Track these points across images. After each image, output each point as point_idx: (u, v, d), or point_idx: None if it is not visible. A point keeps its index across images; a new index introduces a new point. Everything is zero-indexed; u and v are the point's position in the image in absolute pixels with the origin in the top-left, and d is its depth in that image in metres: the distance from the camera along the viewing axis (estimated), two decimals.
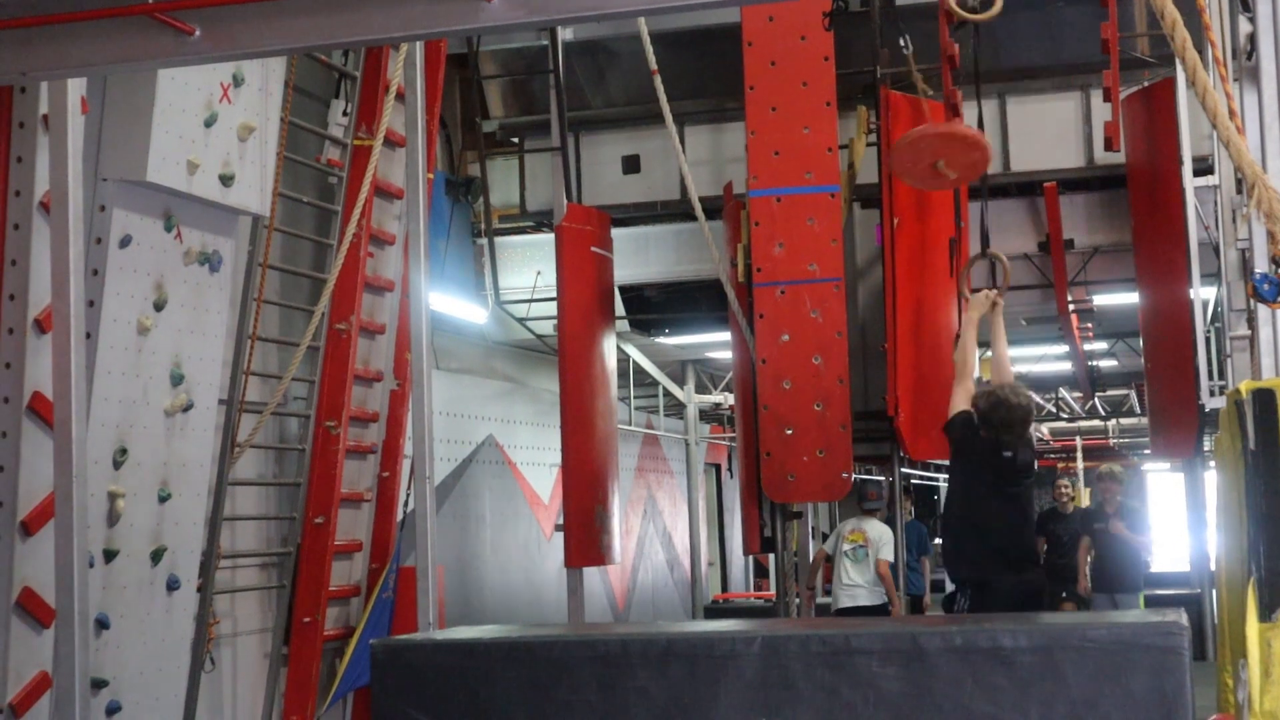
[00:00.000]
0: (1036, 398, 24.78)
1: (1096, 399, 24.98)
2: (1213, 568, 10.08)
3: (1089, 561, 13.96)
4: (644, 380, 18.50)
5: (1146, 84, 11.16)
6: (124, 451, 7.04)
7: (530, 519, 15.89)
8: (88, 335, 6.47)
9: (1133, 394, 24.48)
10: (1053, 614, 10.81)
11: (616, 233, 11.20)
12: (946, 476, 8.57)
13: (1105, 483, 14.18)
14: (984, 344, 9.60)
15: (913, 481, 24.10)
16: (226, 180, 7.38)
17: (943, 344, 10.40)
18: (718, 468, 23.94)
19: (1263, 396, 4.14)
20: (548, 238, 11.99)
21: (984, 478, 7.82)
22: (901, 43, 9.72)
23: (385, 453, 9.92)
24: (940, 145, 8.57)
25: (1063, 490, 15.34)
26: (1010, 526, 7.81)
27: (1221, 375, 10.63)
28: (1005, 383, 7.96)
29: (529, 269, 13.25)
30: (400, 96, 8.57)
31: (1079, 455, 30.30)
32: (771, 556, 11.05)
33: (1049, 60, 11.85)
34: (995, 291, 8.62)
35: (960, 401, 8.07)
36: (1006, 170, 12.11)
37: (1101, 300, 13.64)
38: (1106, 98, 10.45)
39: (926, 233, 10.46)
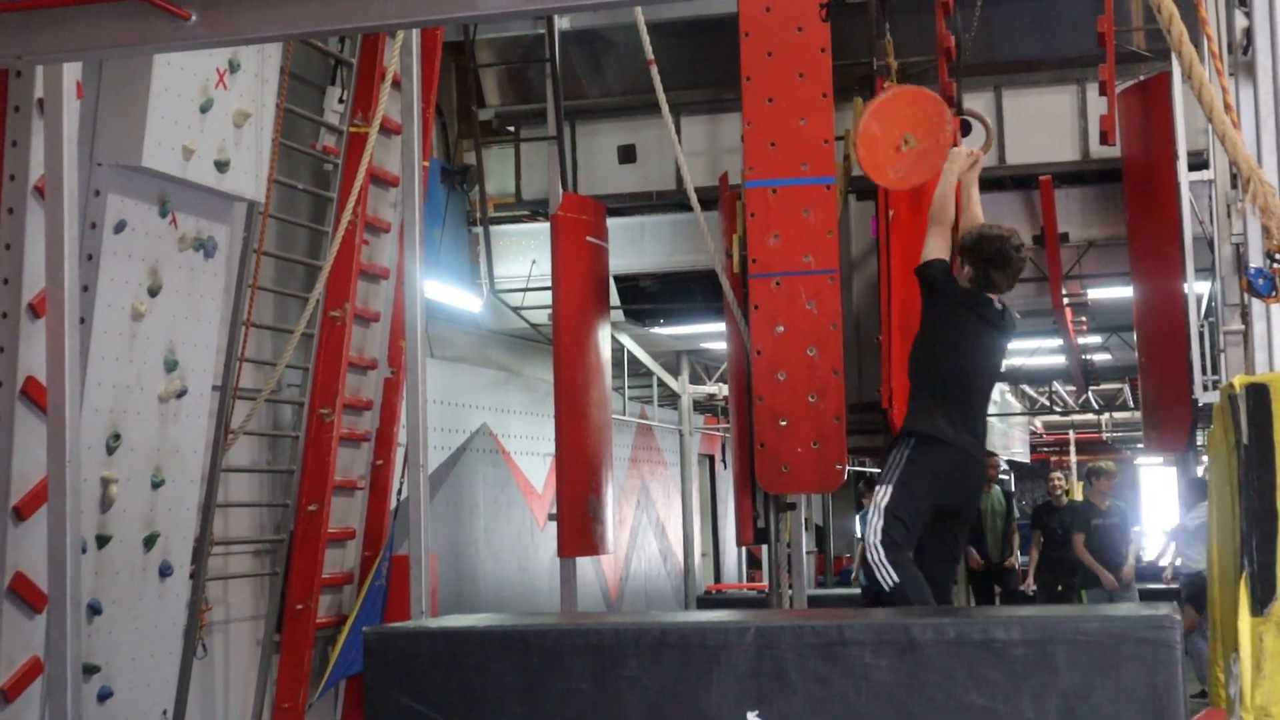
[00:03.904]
0: (1030, 391, 24.78)
1: (1090, 393, 24.99)
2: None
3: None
4: (638, 370, 18.50)
5: (1142, 78, 11.16)
6: (117, 437, 7.03)
7: (524, 508, 15.90)
8: (81, 320, 6.44)
9: (1126, 388, 24.51)
10: (1046, 606, 10.80)
11: (612, 222, 11.19)
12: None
13: (1097, 480, 14.28)
14: None
15: None
16: (222, 166, 7.37)
17: None
18: (712, 459, 23.95)
19: (1256, 391, 4.15)
20: (543, 227, 11.97)
21: (970, 328, 6.79)
22: (885, 28, 9.72)
23: (379, 441, 9.92)
24: (897, 114, 8.05)
25: (1056, 483, 15.38)
26: (979, 384, 6.82)
27: (1215, 370, 10.63)
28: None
29: (524, 258, 13.24)
30: (396, 84, 8.56)
31: (1072, 449, 30.36)
32: (765, 548, 11.05)
33: (1045, 53, 11.85)
34: (979, 150, 7.65)
35: (937, 249, 7.06)
36: (1001, 163, 12.11)
37: (1096, 294, 13.67)
38: (1102, 91, 10.44)
39: (922, 225, 10.42)
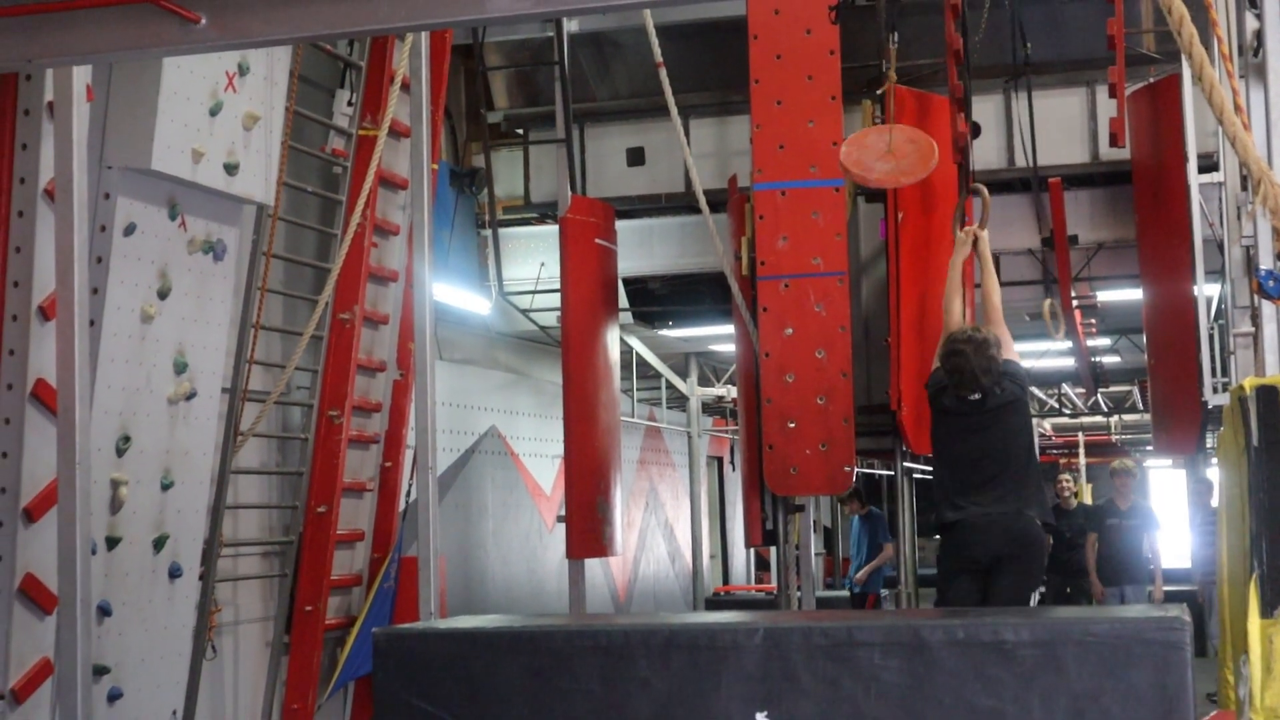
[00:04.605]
0: (1039, 393, 24.73)
1: (1099, 395, 24.94)
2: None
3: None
4: (647, 373, 18.50)
5: (1152, 80, 11.15)
6: (127, 439, 7.04)
7: (532, 510, 15.90)
8: (91, 323, 6.46)
9: (1136, 390, 24.47)
10: (1055, 608, 10.78)
11: (621, 225, 11.19)
12: None
13: (1120, 478, 14.23)
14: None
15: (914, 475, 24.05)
16: (231, 169, 7.38)
17: None
18: (720, 460, 23.95)
19: (1266, 393, 4.15)
20: (552, 229, 11.98)
21: (943, 433, 7.50)
22: (892, 37, 9.70)
23: (388, 443, 9.93)
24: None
25: (1064, 486, 15.34)
26: (979, 458, 7.30)
27: (1225, 372, 10.61)
28: (966, 327, 7.60)
29: (533, 260, 13.24)
30: (405, 87, 8.56)
31: (1081, 451, 30.30)
32: (773, 549, 11.05)
33: (1055, 55, 11.83)
34: (975, 226, 8.12)
35: (933, 361, 7.69)
36: (1011, 165, 12.09)
37: (1105, 296, 13.64)
38: (1112, 93, 10.43)
39: (931, 227, 10.44)
